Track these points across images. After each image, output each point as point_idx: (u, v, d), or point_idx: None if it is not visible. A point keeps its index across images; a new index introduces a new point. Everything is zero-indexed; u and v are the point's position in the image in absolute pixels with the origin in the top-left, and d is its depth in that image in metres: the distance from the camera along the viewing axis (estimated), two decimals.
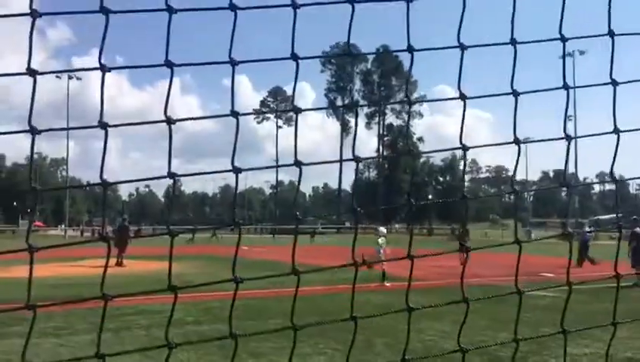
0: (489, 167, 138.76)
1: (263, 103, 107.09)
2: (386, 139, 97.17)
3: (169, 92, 1.29)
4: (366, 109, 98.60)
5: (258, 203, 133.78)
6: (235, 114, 1.31)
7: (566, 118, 1.63)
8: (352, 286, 1.62)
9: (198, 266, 20.07)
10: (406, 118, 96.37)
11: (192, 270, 18.80)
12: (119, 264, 20.57)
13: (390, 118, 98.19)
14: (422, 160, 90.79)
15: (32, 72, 1.18)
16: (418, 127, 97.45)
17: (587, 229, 24.47)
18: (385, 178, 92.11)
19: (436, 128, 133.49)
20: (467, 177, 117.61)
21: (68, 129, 2.57)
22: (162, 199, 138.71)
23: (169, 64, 1.26)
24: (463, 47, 1.48)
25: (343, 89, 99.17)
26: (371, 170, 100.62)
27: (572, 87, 1.61)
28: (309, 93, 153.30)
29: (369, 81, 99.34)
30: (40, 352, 7.46)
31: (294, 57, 1.34)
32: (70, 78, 73.53)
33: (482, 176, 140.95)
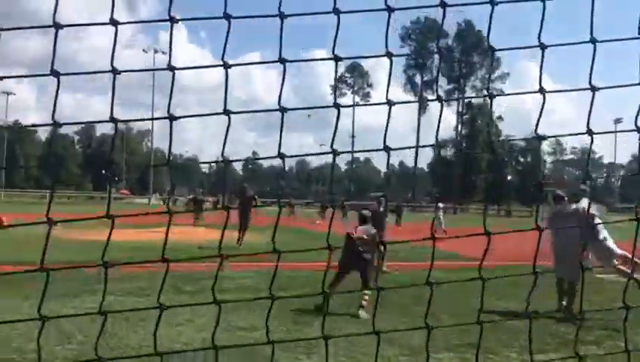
0: (575, 148, 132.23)
1: (340, 79, 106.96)
2: (464, 117, 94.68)
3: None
4: (445, 86, 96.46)
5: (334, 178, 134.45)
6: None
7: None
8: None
9: (269, 236, 20.46)
10: (487, 98, 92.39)
11: (264, 239, 19.03)
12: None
13: (470, 95, 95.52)
14: (501, 138, 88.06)
15: (114, 71, 1.41)
16: (498, 106, 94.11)
17: None
18: (462, 158, 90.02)
19: (517, 105, 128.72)
20: (550, 158, 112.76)
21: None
22: (241, 172, 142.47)
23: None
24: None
25: (422, 65, 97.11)
26: (448, 149, 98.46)
27: None
28: (387, 67, 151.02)
29: (449, 57, 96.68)
30: (123, 308, 8.12)
31: (336, 58, 1.50)
32: (156, 52, 77.59)
33: (567, 157, 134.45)
